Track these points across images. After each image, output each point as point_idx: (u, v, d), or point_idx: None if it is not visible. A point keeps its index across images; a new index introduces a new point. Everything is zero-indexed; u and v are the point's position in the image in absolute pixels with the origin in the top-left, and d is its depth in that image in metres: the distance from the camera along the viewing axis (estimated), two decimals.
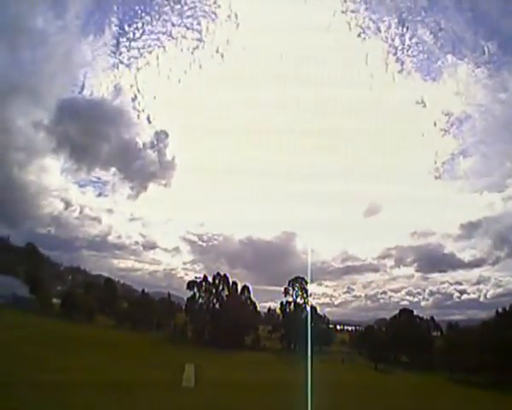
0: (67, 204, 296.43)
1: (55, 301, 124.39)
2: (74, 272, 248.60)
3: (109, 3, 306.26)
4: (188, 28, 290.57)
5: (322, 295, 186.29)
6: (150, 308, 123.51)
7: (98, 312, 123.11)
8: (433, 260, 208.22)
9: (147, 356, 61.81)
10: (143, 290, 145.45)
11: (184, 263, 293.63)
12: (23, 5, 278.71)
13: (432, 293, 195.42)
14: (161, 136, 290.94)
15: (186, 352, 74.38)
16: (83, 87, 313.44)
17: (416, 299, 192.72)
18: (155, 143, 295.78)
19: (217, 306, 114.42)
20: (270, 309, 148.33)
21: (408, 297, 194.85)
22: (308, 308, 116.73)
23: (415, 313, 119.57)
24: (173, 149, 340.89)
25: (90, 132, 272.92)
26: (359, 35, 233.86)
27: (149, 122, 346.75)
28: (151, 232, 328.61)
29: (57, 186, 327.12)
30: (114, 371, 45.00)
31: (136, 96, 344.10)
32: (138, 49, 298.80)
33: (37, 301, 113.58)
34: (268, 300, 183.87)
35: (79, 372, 40.67)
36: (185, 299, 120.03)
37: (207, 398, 36.42)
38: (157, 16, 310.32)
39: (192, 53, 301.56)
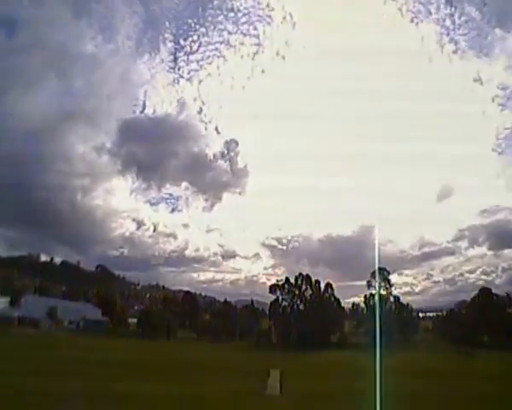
0: (139, 224, 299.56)
1: (130, 320, 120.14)
2: (153, 289, 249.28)
3: (161, 20, 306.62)
4: (245, 34, 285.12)
5: (403, 285, 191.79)
6: (232, 317, 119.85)
7: (178, 327, 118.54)
8: (503, 237, 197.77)
9: (229, 366, 54.76)
10: (225, 300, 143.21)
11: (265, 268, 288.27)
12: (70, 33, 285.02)
13: (504, 270, 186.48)
14: (231, 145, 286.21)
15: (270, 358, 67.80)
16: (144, 106, 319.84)
17: (490, 278, 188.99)
18: (226, 152, 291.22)
19: (301, 307, 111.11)
20: (354, 304, 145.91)
21: (483, 277, 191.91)
22: (391, 299, 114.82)
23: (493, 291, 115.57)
24: (244, 156, 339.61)
25: (156, 150, 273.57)
26: (412, 20, 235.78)
27: (218, 132, 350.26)
28: (229, 242, 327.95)
29: (127, 207, 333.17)
30: (194, 383, 38.85)
31: (201, 109, 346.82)
32: (197, 61, 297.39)
33: (111, 322, 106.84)
34: (352, 295, 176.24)
35: (159, 388, 35.28)
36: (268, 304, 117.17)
37: (292, 407, 31.53)
38: (212, 26, 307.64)
39: (253, 59, 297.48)
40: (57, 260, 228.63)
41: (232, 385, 37.26)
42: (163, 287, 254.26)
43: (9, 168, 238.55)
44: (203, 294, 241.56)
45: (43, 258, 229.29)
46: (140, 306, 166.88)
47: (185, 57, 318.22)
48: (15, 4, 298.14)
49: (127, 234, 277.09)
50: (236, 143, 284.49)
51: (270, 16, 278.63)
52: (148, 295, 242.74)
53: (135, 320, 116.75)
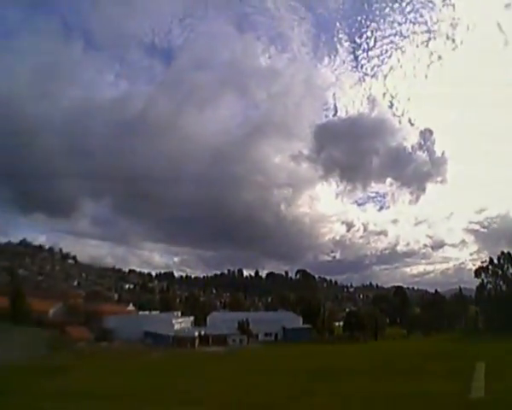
0: (349, 226, 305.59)
1: (337, 324, 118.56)
2: (366, 289, 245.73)
3: (331, 22, 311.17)
4: (413, 23, 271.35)
5: None
6: (442, 308, 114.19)
7: (389, 324, 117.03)
8: None
9: (428, 362, 46.01)
10: (436, 291, 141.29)
11: (471, 254, 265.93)
12: (238, 48, 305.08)
13: None
14: (426, 134, 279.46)
15: (475, 347, 59.11)
16: (335, 108, 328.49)
17: None
18: (422, 143, 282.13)
19: (503, 288, 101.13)
20: None
21: None
22: None
23: None
24: (441, 144, 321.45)
25: (355, 150, 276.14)
26: None
27: (412, 124, 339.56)
28: (437, 232, 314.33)
29: (335, 211, 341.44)
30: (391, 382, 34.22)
31: (391, 103, 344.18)
32: (377, 56, 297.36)
33: (314, 328, 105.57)
34: None
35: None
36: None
37: None
38: (381, 20, 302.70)
39: (426, 46, 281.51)
40: (263, 272, 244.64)
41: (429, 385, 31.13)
42: (376, 285, 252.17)
43: (202, 188, 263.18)
44: (415, 287, 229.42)
45: (246, 273, 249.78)
46: (351, 308, 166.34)
47: (365, 54, 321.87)
48: (175, 25, 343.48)
49: (337, 237, 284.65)
50: (431, 132, 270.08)
51: (431, 1, 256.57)
52: (360, 296, 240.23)
53: (341, 324, 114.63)
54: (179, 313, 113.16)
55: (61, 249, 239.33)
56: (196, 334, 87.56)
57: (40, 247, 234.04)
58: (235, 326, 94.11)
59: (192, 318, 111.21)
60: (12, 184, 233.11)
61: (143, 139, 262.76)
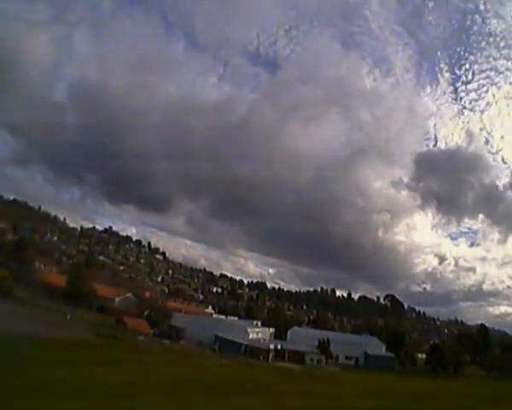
0: (442, 259, 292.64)
1: (420, 356, 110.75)
2: (451, 324, 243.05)
3: (433, 50, 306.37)
4: (507, 59, 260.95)
5: None
6: None
7: (469, 363, 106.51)
8: None
9: None
10: None
11: None
12: (343, 66, 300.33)
13: None
14: None
15: None
16: (436, 139, 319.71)
17: None
18: None
19: None
20: None
21: None
22: None
23: None
24: None
25: (452, 183, 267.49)
26: None
27: (504, 163, 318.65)
28: None
29: (429, 242, 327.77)
30: None
31: (487, 140, 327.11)
32: (475, 90, 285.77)
33: (396, 358, 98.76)
34: None
35: None
36: None
37: None
38: (478, 53, 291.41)
39: None
40: (355, 295, 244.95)
41: None
42: (461, 322, 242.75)
43: (302, 204, 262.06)
44: (495, 328, 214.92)
45: (339, 293, 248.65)
46: (435, 341, 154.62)
47: (463, 87, 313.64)
48: (281, 36, 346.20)
49: (429, 269, 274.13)
50: None
51: None
52: (445, 331, 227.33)
53: (423, 356, 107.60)
54: (259, 323, 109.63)
55: (149, 243, 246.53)
56: (272, 346, 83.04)
57: (127, 237, 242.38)
58: (315, 344, 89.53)
59: (272, 329, 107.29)
60: (105, 173, 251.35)
61: (245, 145, 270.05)
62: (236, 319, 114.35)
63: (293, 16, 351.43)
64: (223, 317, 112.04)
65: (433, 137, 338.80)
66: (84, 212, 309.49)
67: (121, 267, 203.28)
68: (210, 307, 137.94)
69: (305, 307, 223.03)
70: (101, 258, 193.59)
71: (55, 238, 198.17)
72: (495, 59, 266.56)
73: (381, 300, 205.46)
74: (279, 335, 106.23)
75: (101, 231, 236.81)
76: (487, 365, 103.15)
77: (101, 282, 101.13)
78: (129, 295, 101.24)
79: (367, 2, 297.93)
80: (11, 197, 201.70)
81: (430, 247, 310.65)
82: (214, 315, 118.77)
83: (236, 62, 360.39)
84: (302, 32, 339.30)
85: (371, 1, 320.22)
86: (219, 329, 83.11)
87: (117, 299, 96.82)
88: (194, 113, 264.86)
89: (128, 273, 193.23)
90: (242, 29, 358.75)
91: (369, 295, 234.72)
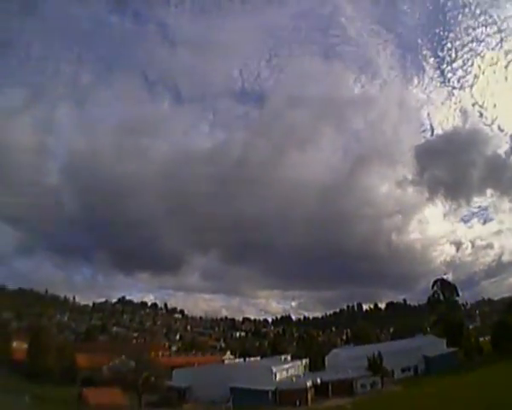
0: (458, 245, 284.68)
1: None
2: (480, 305, 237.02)
3: (413, 40, 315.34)
4: (484, 25, 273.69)
5: None
6: None
7: None
8: None
9: None
10: None
11: None
12: (331, 81, 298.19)
13: None
14: None
15: None
16: (432, 128, 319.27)
17: None
18: None
19: None
20: None
21: None
22: None
23: None
24: None
25: (455, 166, 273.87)
26: None
27: (501, 130, 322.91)
28: None
29: (444, 232, 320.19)
30: None
31: (481, 113, 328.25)
32: (461, 67, 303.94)
33: (461, 351, 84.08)
34: None
35: None
36: None
37: None
38: (457, 28, 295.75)
39: (501, 47, 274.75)
40: (382, 304, 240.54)
41: None
42: (488, 299, 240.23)
43: (312, 229, 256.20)
44: None
45: (366, 306, 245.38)
46: (470, 325, 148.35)
47: (449, 67, 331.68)
48: (263, 68, 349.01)
49: (448, 259, 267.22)
50: None
51: None
52: (476, 312, 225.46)
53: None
54: (288, 357, 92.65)
55: (165, 304, 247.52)
56: (309, 383, 65.09)
57: (142, 303, 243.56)
58: (363, 365, 71.51)
59: (306, 360, 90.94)
60: (112, 246, 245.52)
61: (246, 185, 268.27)
62: (258, 358, 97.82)
63: (272, 44, 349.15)
64: (240, 360, 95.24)
65: (428, 127, 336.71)
66: (98, 288, 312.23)
67: (135, 334, 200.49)
68: (228, 354, 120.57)
69: (334, 329, 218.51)
70: (114, 329, 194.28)
71: (66, 318, 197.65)
72: (474, 29, 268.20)
73: (408, 301, 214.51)
74: (315, 365, 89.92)
75: (115, 303, 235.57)
76: None
77: (98, 351, 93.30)
78: (121, 359, 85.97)
79: (341, 8, 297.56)
80: (16, 287, 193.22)
81: (445, 236, 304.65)
82: (227, 361, 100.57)
83: (225, 106, 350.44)
84: (283, 57, 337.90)
85: (345, 7, 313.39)
86: (235, 377, 66.11)
87: (105, 367, 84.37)
88: (191, 165, 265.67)
89: (142, 338, 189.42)
90: (224, 71, 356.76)
91: (395, 301, 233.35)
